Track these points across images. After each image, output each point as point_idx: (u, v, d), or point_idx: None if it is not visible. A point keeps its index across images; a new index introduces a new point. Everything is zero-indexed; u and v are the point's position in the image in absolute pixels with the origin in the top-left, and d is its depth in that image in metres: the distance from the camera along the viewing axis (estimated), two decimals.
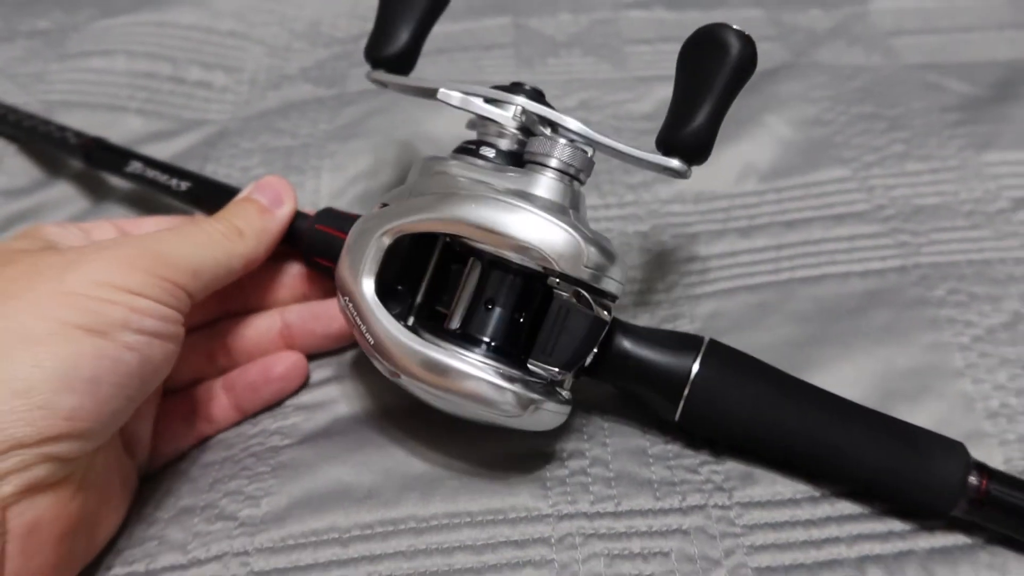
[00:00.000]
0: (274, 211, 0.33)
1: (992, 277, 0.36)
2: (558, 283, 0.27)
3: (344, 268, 0.29)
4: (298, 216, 0.33)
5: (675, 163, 0.28)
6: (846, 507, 0.29)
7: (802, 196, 0.40)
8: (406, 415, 0.32)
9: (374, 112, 0.45)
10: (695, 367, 0.28)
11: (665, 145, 0.28)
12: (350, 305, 0.28)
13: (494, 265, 0.28)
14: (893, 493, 0.28)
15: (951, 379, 0.32)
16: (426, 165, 0.30)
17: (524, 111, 0.29)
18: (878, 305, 0.35)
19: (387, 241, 0.28)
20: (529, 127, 0.29)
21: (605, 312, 0.27)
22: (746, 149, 0.42)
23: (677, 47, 0.28)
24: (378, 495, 0.29)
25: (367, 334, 0.28)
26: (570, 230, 0.26)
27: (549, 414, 0.27)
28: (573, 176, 0.28)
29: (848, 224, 0.38)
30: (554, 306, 0.27)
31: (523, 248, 0.26)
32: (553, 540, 0.28)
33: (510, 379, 0.26)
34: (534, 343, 0.27)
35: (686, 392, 0.28)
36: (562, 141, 0.28)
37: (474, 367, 0.26)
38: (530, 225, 0.26)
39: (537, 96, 0.30)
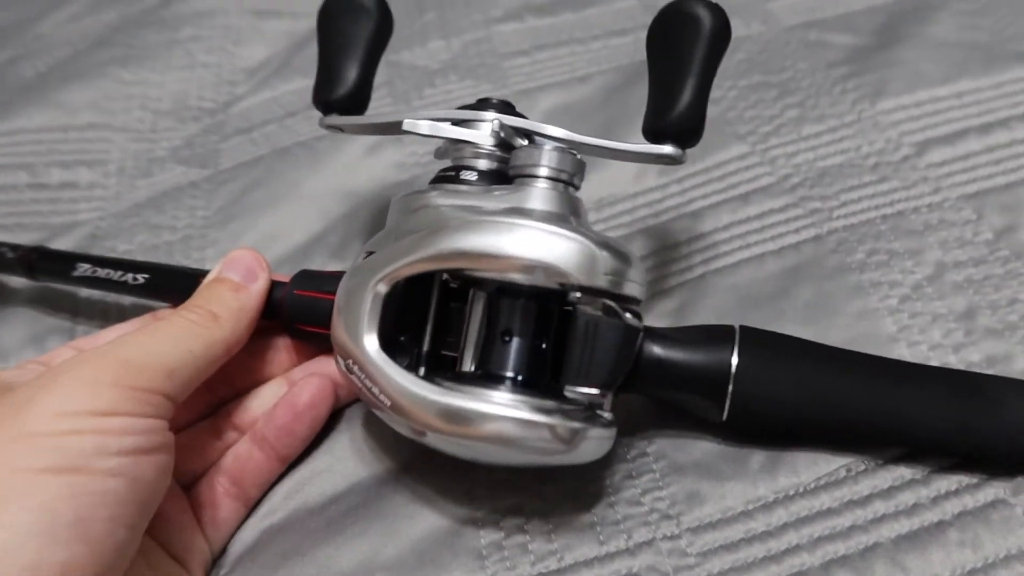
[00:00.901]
0: (249, 287, 0.30)
1: (909, 229, 0.34)
2: (579, 297, 0.24)
3: (340, 330, 0.26)
4: (272, 286, 0.31)
5: (668, 149, 0.27)
6: (802, 506, 0.26)
7: (704, 182, 0.38)
8: (326, 508, 0.30)
9: (251, 187, 0.43)
10: (734, 360, 0.26)
11: (653, 133, 0.27)
12: (355, 368, 0.26)
13: (503, 293, 0.26)
14: (967, 448, 0.26)
15: (886, 345, 0.30)
16: (404, 202, 0.28)
17: (500, 125, 0.27)
18: (799, 282, 0.33)
19: (383, 290, 0.26)
20: (507, 141, 0.28)
21: (635, 318, 0.25)
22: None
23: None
24: None
25: (381, 396, 0.25)
26: (579, 238, 0.24)
27: (595, 442, 0.25)
28: (567, 182, 0.26)
29: (756, 202, 0.37)
30: (579, 323, 0.24)
31: (533, 267, 0.24)
32: None
33: (547, 412, 0.24)
34: (564, 368, 0.25)
35: (730, 389, 0.26)
36: (547, 147, 0.26)
37: (506, 407, 0.24)
38: (535, 241, 0.24)
39: (508, 108, 0.29)
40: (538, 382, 0.26)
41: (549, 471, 0.29)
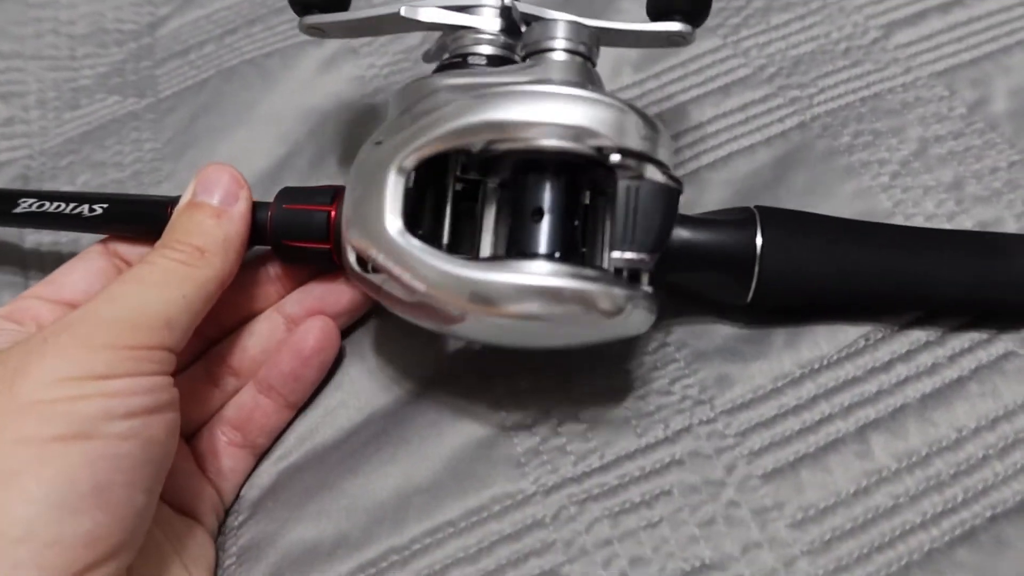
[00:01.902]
0: (230, 210, 0.27)
1: (888, 109, 0.35)
2: (617, 161, 0.23)
3: (355, 223, 0.25)
4: (253, 207, 0.28)
5: (677, 26, 0.26)
6: (829, 377, 0.27)
7: (682, 76, 0.38)
8: (345, 442, 0.29)
9: (200, 112, 0.39)
10: (759, 240, 0.26)
11: (659, 11, 0.27)
12: (378, 258, 0.24)
13: (531, 168, 0.25)
14: (983, 303, 0.26)
15: (885, 220, 0.31)
16: (414, 87, 0.26)
17: (503, 8, 0.26)
18: (792, 168, 0.33)
19: (407, 168, 0.24)
20: (514, 25, 0.27)
21: (674, 181, 0.24)
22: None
23: None
24: (346, 541, 0.26)
25: (413, 282, 0.23)
26: (611, 100, 0.23)
27: (643, 312, 0.24)
28: (585, 56, 0.25)
29: (736, 94, 0.36)
30: (621, 189, 0.23)
31: (569, 131, 0.23)
32: (548, 519, 0.25)
33: (594, 280, 0.23)
34: (609, 236, 0.24)
35: (757, 268, 0.25)
36: (561, 20, 0.25)
37: (552, 277, 0.22)
38: (569, 105, 0.23)
39: None
40: (573, 259, 0.25)
41: (574, 366, 0.28)
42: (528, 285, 0.23)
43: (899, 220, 0.31)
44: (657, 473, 0.26)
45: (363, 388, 0.30)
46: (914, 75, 0.36)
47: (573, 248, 0.25)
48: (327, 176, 0.36)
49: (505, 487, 0.26)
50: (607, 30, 0.28)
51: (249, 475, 0.29)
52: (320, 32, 0.30)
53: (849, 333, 0.28)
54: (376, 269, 0.24)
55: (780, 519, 0.25)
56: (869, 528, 0.24)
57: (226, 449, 0.28)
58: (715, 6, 0.40)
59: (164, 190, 0.37)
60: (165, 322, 0.24)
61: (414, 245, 0.24)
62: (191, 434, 0.29)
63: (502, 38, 0.27)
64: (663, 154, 0.24)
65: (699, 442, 0.26)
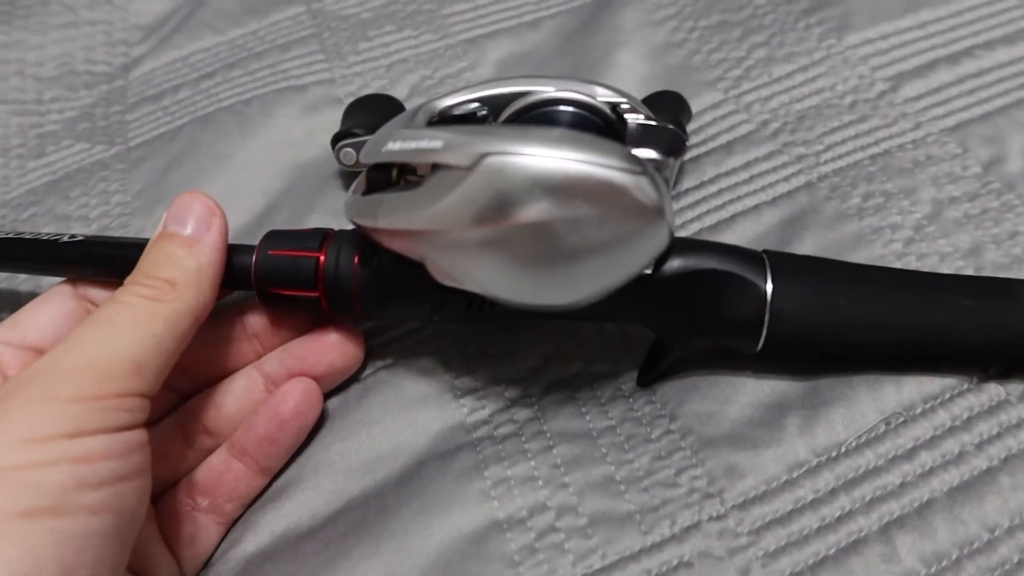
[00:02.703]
0: (202, 238, 0.25)
1: (898, 168, 0.33)
2: (630, 107, 0.26)
3: (369, 145, 0.24)
4: (236, 251, 0.26)
5: (653, 155, 0.28)
6: (848, 466, 0.25)
7: None
8: (321, 530, 0.26)
9: (173, 163, 0.37)
10: (769, 287, 0.24)
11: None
12: (395, 145, 0.23)
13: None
14: (1004, 353, 0.25)
15: None
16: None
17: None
18: (799, 232, 0.31)
19: (443, 105, 0.27)
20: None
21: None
22: None
23: None
24: None
25: (431, 143, 0.21)
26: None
27: (667, 225, 0.21)
28: None
29: (739, 151, 0.35)
30: (632, 127, 0.26)
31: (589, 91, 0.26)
32: None
33: (629, 157, 0.21)
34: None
35: (767, 318, 0.24)
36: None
37: (584, 141, 0.20)
38: (584, 79, 0.27)
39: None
40: None
41: (572, 453, 0.26)
42: (551, 130, 0.22)
43: None
44: None
45: (342, 468, 0.27)
46: (924, 131, 0.34)
47: None
48: None
49: None
50: None
51: (215, 549, 0.27)
52: (353, 159, 0.32)
53: (868, 416, 0.26)
54: (384, 181, 0.24)
55: None
56: None
57: (191, 515, 0.26)
58: (714, 57, 0.39)
59: None
60: (135, 366, 0.22)
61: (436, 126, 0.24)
62: (156, 495, 0.27)
63: None
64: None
65: (709, 541, 0.24)
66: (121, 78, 0.42)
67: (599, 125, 0.25)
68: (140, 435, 0.21)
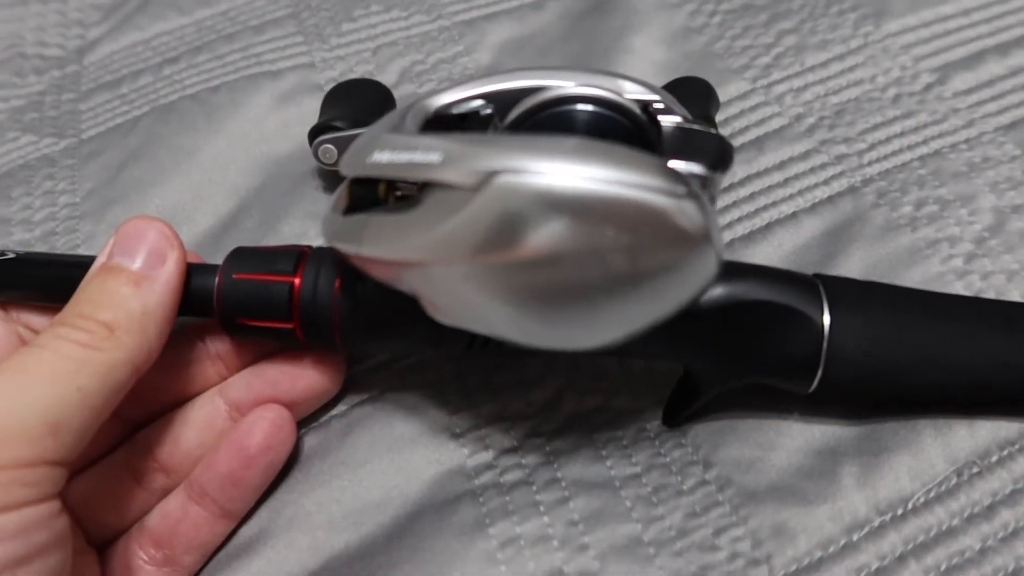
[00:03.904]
0: (153, 275, 0.21)
1: (952, 171, 0.29)
2: (664, 107, 0.21)
3: (354, 149, 0.20)
4: (195, 272, 0.22)
5: (698, 169, 0.23)
6: (917, 527, 0.21)
7: None
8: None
9: (130, 159, 0.33)
10: (826, 320, 0.20)
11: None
12: (383, 156, 0.19)
13: (567, 130, 0.21)
14: None
15: None
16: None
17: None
18: (845, 246, 0.28)
19: (435, 106, 0.22)
20: None
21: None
22: None
23: None
24: None
25: (427, 156, 0.17)
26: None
27: (715, 253, 0.17)
28: None
29: (771, 149, 0.31)
30: (670, 131, 0.21)
31: (614, 85, 0.21)
32: None
33: (664, 172, 0.17)
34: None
35: (823, 357, 0.21)
36: None
37: (610, 149, 0.17)
38: (609, 73, 0.22)
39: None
40: None
41: (588, 508, 0.22)
42: (569, 141, 0.17)
43: None
44: None
45: (321, 521, 0.23)
46: (978, 129, 0.31)
47: None
48: (283, 239, 0.30)
49: None
50: None
51: None
52: (333, 156, 0.28)
53: (936, 466, 0.22)
54: (370, 198, 0.20)
55: None
56: None
57: (143, 569, 0.23)
58: (739, 44, 0.35)
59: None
60: (49, 427, 0.18)
61: (428, 134, 0.20)
62: (103, 544, 0.23)
63: None
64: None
65: None
66: (75, 63, 0.38)
67: (627, 129, 0.20)
68: (48, 508, 0.18)
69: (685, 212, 0.16)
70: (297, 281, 0.22)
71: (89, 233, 0.30)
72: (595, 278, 0.17)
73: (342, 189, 0.21)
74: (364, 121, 0.28)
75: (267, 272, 0.22)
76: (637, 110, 0.21)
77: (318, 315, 0.22)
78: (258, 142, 0.33)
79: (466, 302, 0.18)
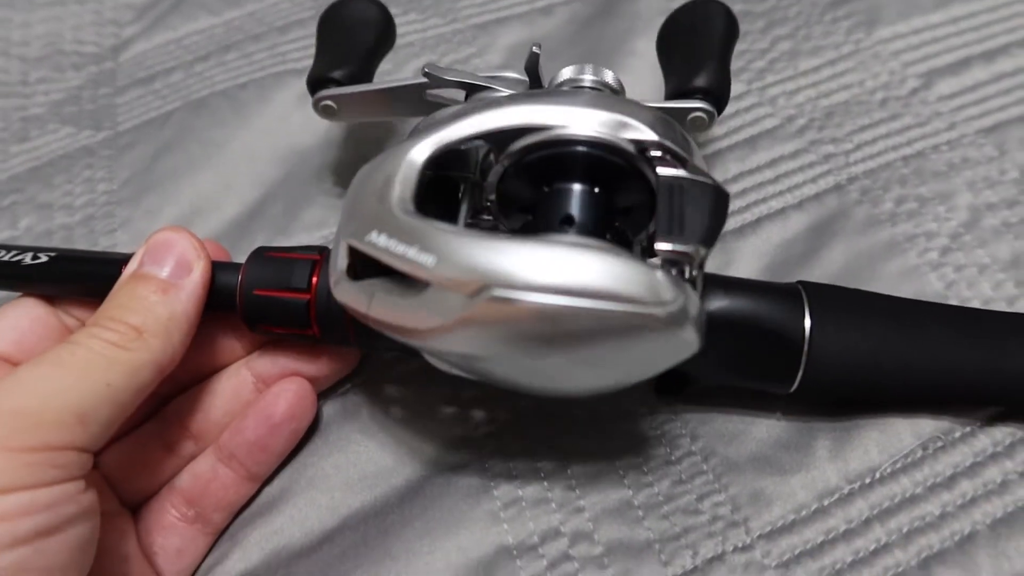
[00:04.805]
0: (180, 283, 0.23)
1: (933, 171, 0.31)
2: (660, 155, 0.21)
3: (352, 216, 0.21)
4: (219, 270, 0.24)
5: (701, 104, 0.26)
6: (883, 494, 0.23)
7: None
8: (316, 550, 0.25)
9: (163, 150, 0.35)
10: (807, 323, 0.22)
11: (680, 94, 0.27)
12: (379, 240, 0.20)
13: (559, 177, 0.22)
14: None
15: None
16: (431, 117, 0.24)
17: (531, 56, 0.25)
18: (829, 240, 0.29)
19: (422, 158, 0.21)
20: (537, 84, 0.26)
21: (722, 186, 0.21)
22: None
23: None
24: None
25: (420, 256, 0.19)
26: (648, 105, 0.22)
27: (692, 326, 0.19)
28: (613, 89, 0.25)
29: (763, 147, 0.33)
30: (664, 184, 0.20)
31: (610, 122, 0.21)
32: None
33: (640, 263, 0.18)
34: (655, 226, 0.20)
35: (805, 353, 0.22)
36: (588, 65, 0.25)
37: (594, 250, 0.18)
38: (609, 102, 0.21)
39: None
40: None
41: (585, 475, 0.24)
42: (559, 252, 0.18)
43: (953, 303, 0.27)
44: None
45: (338, 482, 0.26)
46: (959, 131, 0.32)
47: None
48: (306, 228, 0.32)
49: None
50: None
51: (201, 561, 0.25)
52: (334, 111, 0.28)
53: (904, 440, 0.24)
54: (369, 270, 0.21)
55: None
56: None
57: (175, 526, 0.25)
58: (738, 48, 0.37)
59: (117, 239, 0.32)
60: (78, 416, 0.19)
61: (425, 219, 0.20)
62: (137, 505, 0.25)
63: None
64: (699, 162, 0.22)
65: (735, 574, 0.22)
66: (111, 60, 0.40)
67: (620, 169, 0.21)
68: (75, 486, 0.19)
69: (673, 321, 0.18)
70: (311, 297, 0.23)
71: (126, 218, 0.33)
72: (582, 368, 0.19)
73: (343, 248, 0.21)
74: (362, 70, 0.29)
75: (283, 289, 0.24)
76: (631, 150, 0.21)
77: (333, 320, 0.23)
78: (283, 136, 0.35)
79: (463, 366, 0.20)
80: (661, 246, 0.19)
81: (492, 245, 0.18)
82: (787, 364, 0.23)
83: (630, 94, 0.25)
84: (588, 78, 0.25)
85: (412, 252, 0.19)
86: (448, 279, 0.18)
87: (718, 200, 0.20)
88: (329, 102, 0.27)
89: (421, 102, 0.27)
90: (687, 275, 0.19)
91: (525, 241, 0.18)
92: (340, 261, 0.21)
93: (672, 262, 0.19)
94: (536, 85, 0.25)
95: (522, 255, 0.18)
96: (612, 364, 0.19)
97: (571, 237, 0.20)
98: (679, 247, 0.19)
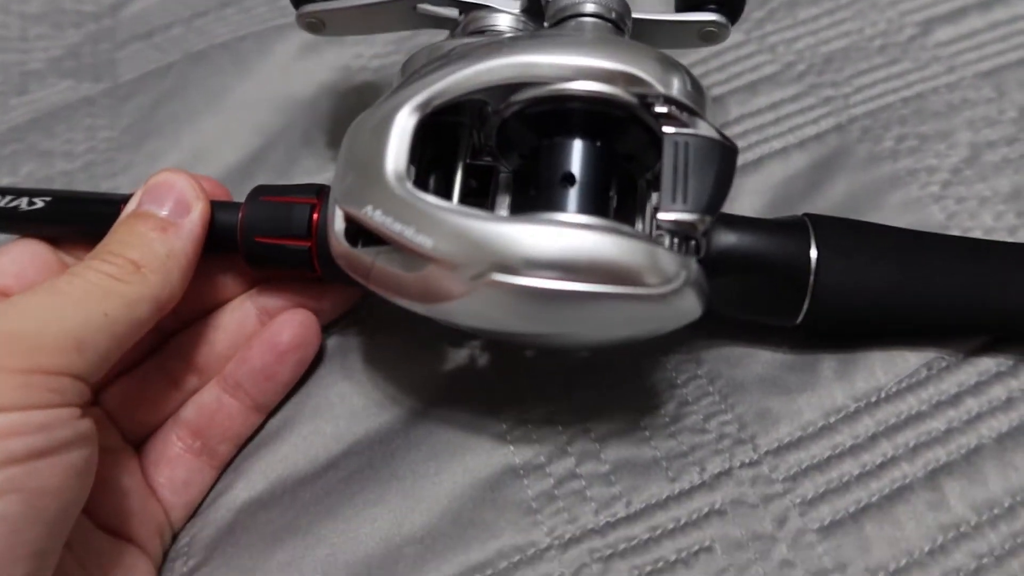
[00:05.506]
0: (180, 222, 0.23)
1: (933, 111, 0.31)
2: (666, 111, 0.20)
3: (347, 181, 0.21)
4: (219, 209, 0.24)
5: (711, 16, 0.25)
6: (889, 412, 0.23)
7: (703, 73, 0.34)
8: (321, 476, 0.24)
9: (163, 98, 0.35)
10: (813, 253, 0.22)
11: (692, 4, 0.25)
12: (375, 215, 0.19)
13: (559, 130, 0.21)
14: None
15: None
16: (424, 52, 0.23)
17: None
18: (831, 175, 0.30)
19: (421, 108, 0.20)
20: (535, 6, 0.24)
21: (728, 140, 0.20)
22: None
23: None
24: None
25: (417, 237, 0.19)
26: (654, 50, 0.20)
27: (694, 295, 0.19)
28: (616, 23, 0.22)
29: (764, 92, 0.33)
30: (669, 142, 0.19)
31: (612, 75, 0.19)
32: None
33: (640, 238, 0.19)
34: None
35: (811, 285, 0.22)
36: None
37: (594, 229, 0.18)
38: (613, 50, 0.20)
39: None
40: None
41: (592, 399, 0.24)
42: (557, 236, 0.18)
43: (954, 234, 0.27)
44: (695, 525, 0.22)
45: (343, 411, 0.26)
46: (958, 75, 0.33)
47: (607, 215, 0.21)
48: (306, 172, 0.32)
49: (515, 539, 0.22)
50: (643, 19, 0.24)
51: (207, 493, 0.25)
52: (319, 26, 0.26)
53: (909, 361, 0.24)
54: (368, 239, 0.20)
55: None
56: None
57: (181, 458, 0.25)
58: None
59: (119, 184, 0.32)
60: (76, 343, 0.19)
61: (420, 195, 0.19)
62: (141, 440, 0.25)
63: (523, 18, 0.23)
64: (711, 116, 0.21)
65: (742, 488, 0.22)
66: (109, 17, 0.40)
67: (622, 122, 0.20)
68: (70, 412, 0.19)
69: (670, 303, 0.19)
70: (311, 243, 0.23)
71: (127, 163, 0.33)
72: (585, 336, 0.20)
73: (340, 212, 0.21)
74: None
75: (284, 236, 0.23)
76: (635, 103, 0.20)
77: (335, 262, 0.22)
78: (284, 86, 0.35)
79: (470, 327, 0.21)
80: (664, 216, 0.19)
81: (489, 227, 0.18)
82: (793, 295, 0.23)
83: (639, 2, 0.25)
84: (590, 6, 0.24)
85: (409, 232, 0.19)
86: (447, 262, 0.19)
87: (725, 158, 0.20)
88: (313, 18, 0.26)
89: (412, 15, 0.26)
90: (691, 243, 0.20)
91: (522, 222, 0.18)
92: (337, 223, 0.21)
93: (675, 232, 0.19)
94: (534, 3, 0.25)
95: (519, 237, 0.18)
96: (613, 332, 0.20)
97: (569, 216, 0.20)
98: (683, 216, 0.19)
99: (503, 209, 0.23)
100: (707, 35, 0.26)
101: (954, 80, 0.32)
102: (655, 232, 0.19)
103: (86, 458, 0.19)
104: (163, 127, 0.34)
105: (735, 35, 0.35)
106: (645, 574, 0.21)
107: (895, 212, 0.28)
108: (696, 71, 0.34)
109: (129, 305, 0.21)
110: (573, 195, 0.20)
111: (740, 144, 0.31)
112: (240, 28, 0.38)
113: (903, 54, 0.34)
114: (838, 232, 0.23)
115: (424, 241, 0.19)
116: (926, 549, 0.21)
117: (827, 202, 0.29)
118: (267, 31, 0.37)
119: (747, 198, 0.29)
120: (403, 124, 0.20)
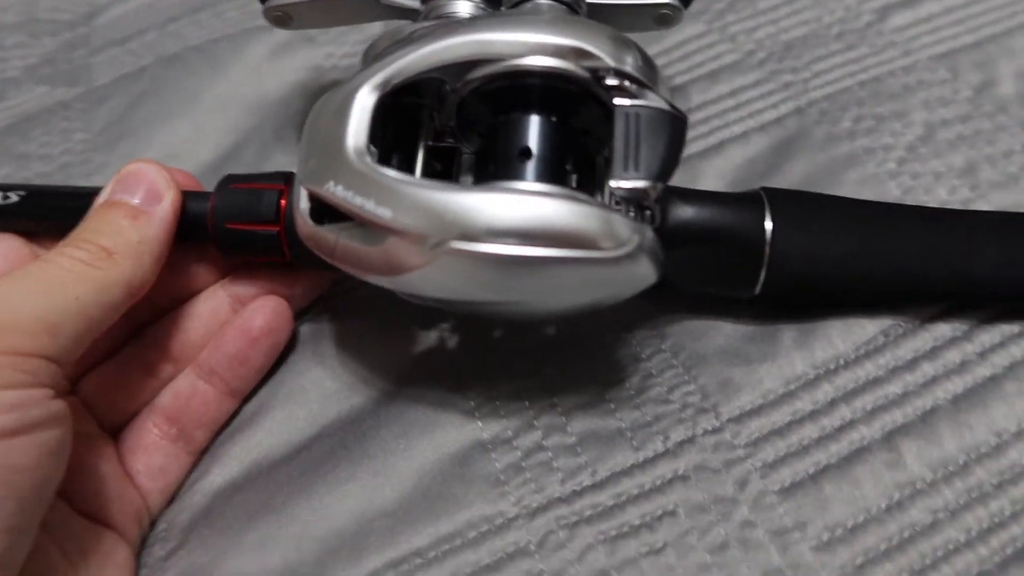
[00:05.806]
0: (151, 210, 0.23)
1: (889, 93, 0.32)
2: (617, 83, 0.20)
3: (309, 160, 0.21)
4: (190, 199, 0.24)
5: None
6: (848, 378, 0.24)
7: (665, 63, 0.35)
8: (294, 458, 0.25)
9: (137, 100, 0.36)
10: (768, 224, 0.23)
11: None
12: (336, 190, 0.20)
13: (516, 106, 0.22)
14: (1017, 288, 0.24)
15: None
16: (385, 37, 0.23)
17: None
18: (790, 155, 0.30)
19: (374, 99, 0.21)
20: None
21: (677, 111, 0.20)
22: None
23: None
24: (295, 575, 0.21)
25: (377, 209, 0.19)
26: (604, 26, 0.21)
27: (648, 260, 0.20)
28: (571, 6, 0.23)
29: (725, 80, 0.34)
30: (619, 113, 0.20)
31: (564, 50, 0.20)
32: (533, 546, 0.22)
33: (595, 204, 0.19)
34: (609, 165, 0.20)
35: (767, 256, 0.23)
36: None
37: (552, 196, 0.19)
38: (565, 26, 0.21)
39: None
40: None
41: (557, 373, 0.25)
42: (515, 202, 0.19)
43: None
44: (658, 491, 0.22)
45: (316, 395, 0.26)
46: (914, 58, 0.34)
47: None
48: (279, 168, 0.32)
49: (483, 509, 0.22)
50: (591, 4, 0.25)
51: (184, 479, 0.25)
52: (286, 19, 0.27)
53: (867, 329, 0.25)
54: (333, 217, 0.21)
55: (803, 541, 0.21)
56: (907, 548, 0.21)
57: (157, 444, 0.25)
58: None
59: (95, 183, 0.32)
60: (48, 326, 0.20)
61: (380, 169, 0.20)
62: (118, 428, 0.25)
63: (483, 5, 0.24)
64: (662, 90, 0.21)
65: (705, 454, 0.23)
66: (85, 25, 0.41)
67: (576, 97, 0.21)
68: (43, 392, 0.19)
69: (624, 269, 0.19)
70: (280, 228, 0.24)
71: (102, 163, 0.33)
72: (544, 303, 0.21)
73: (304, 192, 0.22)
74: None
75: (253, 222, 0.24)
76: (587, 77, 0.21)
77: (304, 247, 0.23)
78: (257, 86, 0.36)
79: (431, 303, 0.22)
80: (617, 184, 0.19)
81: (447, 197, 0.19)
82: (751, 266, 0.23)
83: None
84: None
85: (369, 205, 0.20)
86: (406, 232, 0.19)
87: (675, 127, 0.20)
88: (279, 12, 0.27)
89: (376, 6, 0.27)
90: (644, 210, 0.20)
91: (480, 191, 0.19)
92: (302, 203, 0.22)
93: (628, 199, 0.20)
94: (494, 3, 0.25)
95: (477, 206, 0.19)
96: (572, 298, 0.21)
97: (526, 184, 0.21)
98: (635, 184, 0.19)
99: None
100: (662, 18, 0.27)
101: (910, 63, 0.33)
102: (611, 202, 0.20)
103: (59, 438, 0.20)
104: (138, 128, 0.34)
105: (697, 25, 0.36)
106: (610, 539, 0.21)
107: (853, 188, 0.29)
108: (659, 61, 0.35)
109: (100, 290, 0.21)
110: (531, 166, 0.21)
111: (702, 130, 0.32)
112: (213, 31, 0.38)
113: (860, 40, 0.35)
114: (793, 203, 0.24)
115: (384, 213, 0.19)
116: (883, 506, 0.21)
117: (787, 181, 0.29)
118: (240, 33, 0.38)
119: (709, 180, 0.30)
120: (363, 102, 0.21)
